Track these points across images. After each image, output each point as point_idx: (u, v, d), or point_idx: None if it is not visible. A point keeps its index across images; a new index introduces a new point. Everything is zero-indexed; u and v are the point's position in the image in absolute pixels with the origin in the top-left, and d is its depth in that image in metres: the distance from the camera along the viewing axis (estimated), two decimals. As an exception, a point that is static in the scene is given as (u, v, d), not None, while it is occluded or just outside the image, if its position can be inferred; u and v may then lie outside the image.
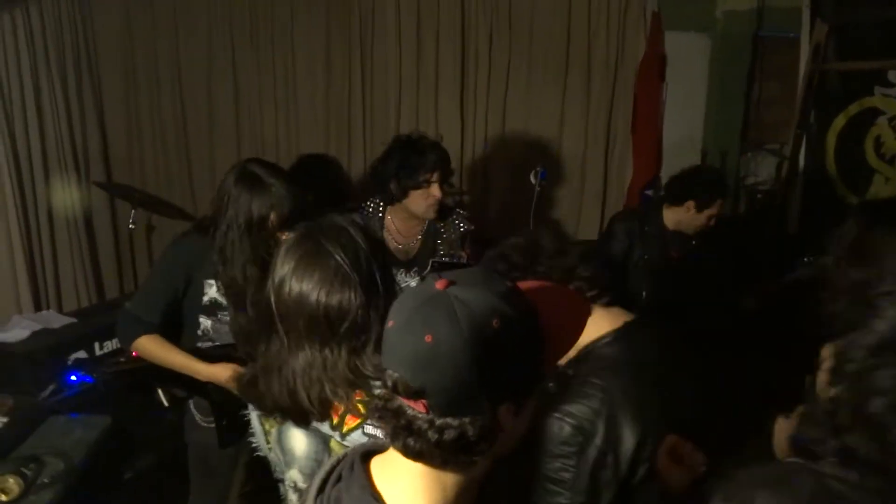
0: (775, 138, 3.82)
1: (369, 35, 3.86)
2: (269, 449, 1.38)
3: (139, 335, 2.02)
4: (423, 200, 2.40)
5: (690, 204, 2.77)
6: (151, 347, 2.02)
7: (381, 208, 2.54)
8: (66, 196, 3.58)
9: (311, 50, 3.96)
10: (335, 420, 1.23)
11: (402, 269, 2.45)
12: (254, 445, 1.45)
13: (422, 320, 0.80)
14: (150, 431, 2.81)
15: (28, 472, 1.90)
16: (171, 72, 4.14)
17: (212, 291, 2.05)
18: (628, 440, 1.31)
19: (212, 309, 2.07)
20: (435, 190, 2.38)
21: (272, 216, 1.91)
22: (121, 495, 2.54)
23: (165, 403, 2.27)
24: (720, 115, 3.79)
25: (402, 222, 2.51)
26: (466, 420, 0.80)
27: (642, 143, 3.65)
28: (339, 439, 1.22)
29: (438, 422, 0.80)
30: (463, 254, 2.44)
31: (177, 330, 2.10)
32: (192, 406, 2.17)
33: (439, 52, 3.77)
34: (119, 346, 2.91)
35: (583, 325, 0.97)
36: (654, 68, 3.55)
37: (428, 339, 0.78)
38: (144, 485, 2.71)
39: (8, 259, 3.17)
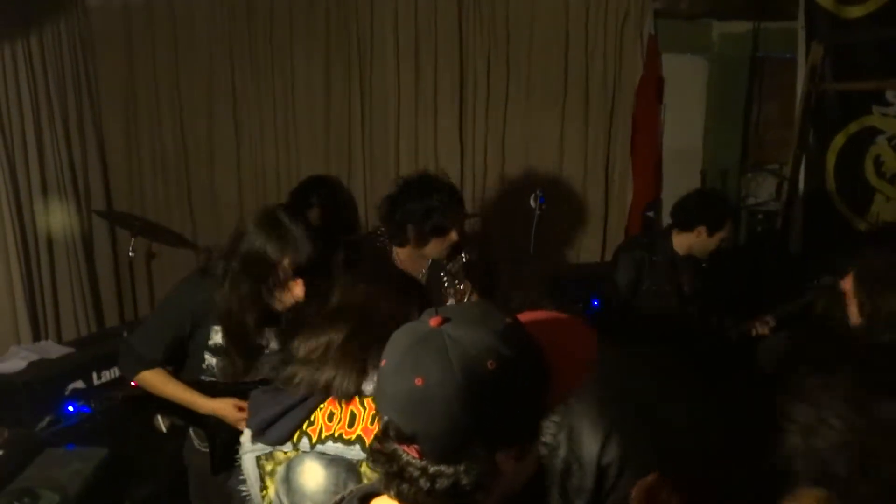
0: (775, 158, 3.83)
1: (368, 60, 3.89)
2: (264, 495, 1.30)
3: (141, 370, 2.02)
4: (440, 246, 2.34)
5: (702, 229, 2.77)
6: (153, 381, 2.03)
7: (385, 241, 2.45)
8: (65, 224, 3.58)
9: (310, 76, 3.99)
10: (314, 438, 1.20)
11: None
12: (244, 494, 1.37)
13: (413, 361, 0.75)
14: (148, 461, 2.78)
15: (22, 507, 1.87)
16: (170, 98, 4.17)
17: (217, 337, 2.04)
18: (590, 445, 1.29)
19: (218, 350, 2.06)
20: (453, 235, 2.32)
21: (285, 261, 1.82)
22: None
23: (164, 430, 2.27)
24: (719, 136, 3.80)
25: (408, 259, 2.44)
26: (461, 468, 0.75)
27: (642, 165, 3.66)
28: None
29: (431, 469, 0.75)
30: (462, 287, 2.42)
31: (180, 360, 2.10)
32: (191, 431, 2.18)
33: (437, 77, 3.79)
34: (117, 375, 2.91)
35: (593, 355, 0.92)
36: (652, 90, 3.57)
37: (418, 382, 0.73)
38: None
39: (7, 289, 3.16)
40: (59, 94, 3.57)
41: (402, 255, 2.43)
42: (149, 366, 2.01)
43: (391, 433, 0.77)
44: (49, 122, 3.49)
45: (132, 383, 2.13)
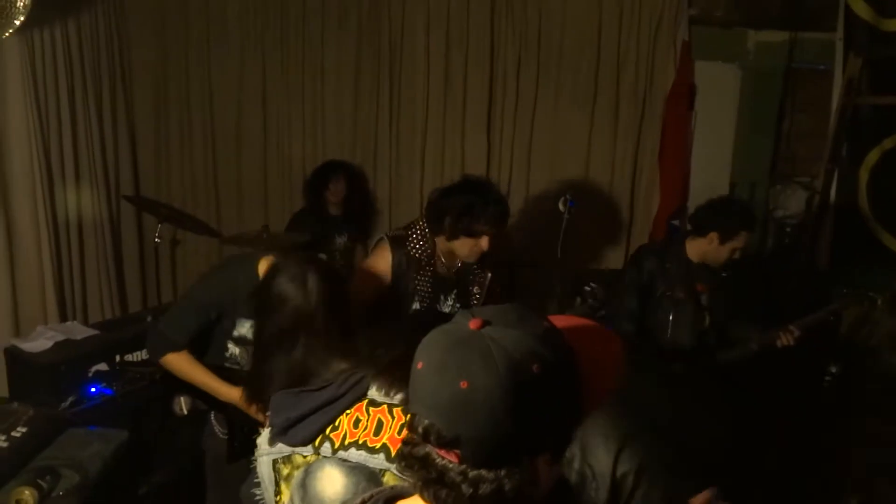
0: (806, 171, 3.76)
1: (398, 60, 3.89)
2: (278, 501, 1.28)
3: (167, 352, 2.09)
4: (469, 248, 2.36)
5: (714, 235, 2.70)
6: (179, 364, 2.10)
7: (428, 234, 2.45)
8: (95, 209, 3.64)
9: (340, 72, 4.00)
10: (336, 443, 1.17)
11: (444, 295, 2.44)
12: (258, 498, 1.35)
13: (456, 364, 0.73)
14: (166, 445, 2.82)
15: (44, 485, 1.90)
16: (201, 90, 4.21)
17: (244, 330, 2.08)
18: (605, 457, 1.29)
19: (241, 341, 2.11)
20: (484, 243, 2.33)
21: None
22: (134, 510, 2.53)
23: (184, 412, 2.30)
24: (750, 146, 3.75)
25: (446, 252, 2.46)
26: (503, 473, 0.74)
27: (669, 173, 3.62)
28: (396, 472, 1.11)
29: (472, 474, 0.74)
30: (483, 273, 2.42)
31: (205, 342, 2.14)
32: (212, 417, 2.22)
33: (467, 78, 3.78)
34: (141, 359, 2.96)
35: (621, 364, 0.92)
36: (684, 98, 3.53)
37: (463, 385, 0.72)
38: (159, 500, 2.70)
39: (37, 269, 3.22)
40: (93, 80, 3.62)
41: (439, 245, 2.45)
42: (175, 349, 2.07)
43: (431, 437, 0.75)
44: (83, 107, 3.54)
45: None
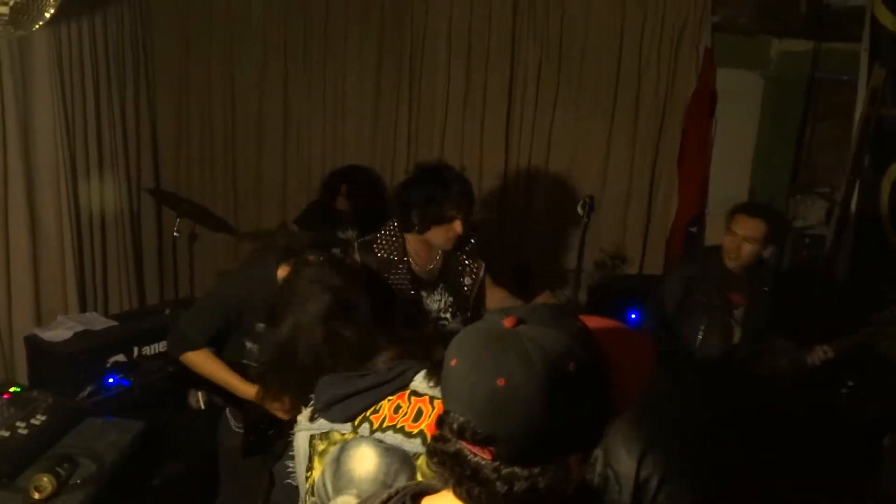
0: (826, 182, 3.73)
1: (419, 59, 3.90)
2: (308, 476, 1.30)
3: (187, 351, 2.14)
4: (444, 235, 2.32)
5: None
6: (198, 361, 2.15)
7: (398, 233, 2.43)
8: (116, 201, 3.68)
9: (361, 71, 4.02)
10: (375, 425, 1.21)
11: (425, 291, 2.39)
12: (290, 470, 1.38)
13: (493, 362, 0.74)
14: (181, 438, 2.84)
15: (62, 472, 1.92)
16: (223, 87, 4.24)
17: (261, 328, 2.09)
18: (628, 460, 1.29)
19: (259, 337, 2.12)
20: (458, 226, 2.30)
21: None
22: (149, 499, 2.55)
23: (202, 406, 2.32)
24: (770, 154, 3.72)
25: (420, 247, 2.43)
26: (536, 470, 0.74)
27: (688, 180, 3.60)
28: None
29: (505, 471, 0.74)
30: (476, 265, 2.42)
31: (223, 338, 2.17)
32: (227, 412, 2.25)
33: (487, 78, 3.79)
34: (157, 352, 2.99)
35: (652, 366, 0.92)
36: (705, 104, 3.51)
37: (500, 382, 0.72)
38: (172, 492, 2.72)
39: (59, 259, 3.26)
40: (117, 76, 3.67)
41: (411, 242, 2.42)
42: (194, 347, 2.12)
43: (466, 434, 0.75)
44: (108, 102, 3.59)
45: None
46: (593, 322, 0.86)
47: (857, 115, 3.37)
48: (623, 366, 0.82)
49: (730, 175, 3.71)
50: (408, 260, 2.39)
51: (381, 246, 2.39)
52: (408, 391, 1.23)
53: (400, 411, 1.21)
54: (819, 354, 2.65)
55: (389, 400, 1.23)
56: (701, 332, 2.67)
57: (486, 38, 3.75)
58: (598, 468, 1.28)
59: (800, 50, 3.56)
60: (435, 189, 2.28)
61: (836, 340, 2.68)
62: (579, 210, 2.69)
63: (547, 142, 3.80)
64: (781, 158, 3.70)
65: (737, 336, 2.75)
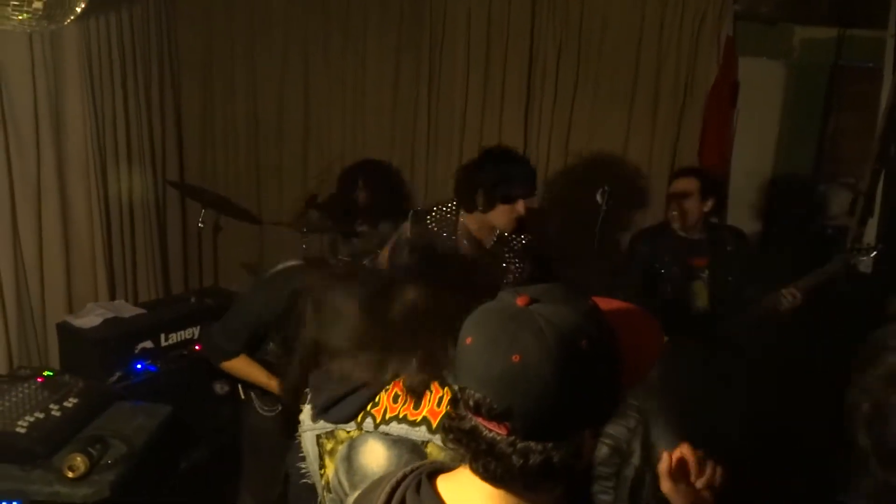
0: (851, 172, 3.68)
1: (438, 53, 3.92)
2: (322, 474, 1.31)
3: (224, 360, 2.20)
4: (507, 215, 2.38)
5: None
6: (237, 368, 2.21)
7: (454, 212, 2.49)
8: (143, 192, 3.76)
9: (381, 65, 4.05)
10: (378, 418, 1.21)
11: None
12: (303, 471, 1.39)
13: (508, 339, 0.76)
14: (206, 423, 2.91)
15: (94, 452, 1.99)
16: (245, 81, 4.30)
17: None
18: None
19: (284, 340, 2.16)
20: (521, 207, 2.36)
21: None
22: (176, 482, 2.63)
23: (242, 396, 2.35)
24: (793, 144, 3.68)
25: (477, 229, 2.48)
26: (550, 445, 0.76)
27: (709, 171, 3.57)
28: (439, 442, 1.14)
29: (521, 445, 0.77)
30: (521, 266, 2.44)
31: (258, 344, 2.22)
32: (253, 395, 2.29)
33: (506, 70, 3.79)
34: (184, 338, 3.06)
35: (659, 347, 0.94)
36: (726, 94, 3.48)
37: (515, 359, 0.74)
38: (198, 474, 2.80)
39: (89, 248, 3.34)
40: (143, 70, 3.73)
41: (470, 223, 2.47)
42: (230, 357, 2.18)
43: (482, 410, 0.77)
44: (134, 94, 3.66)
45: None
46: (604, 303, 0.88)
47: (883, 104, 3.32)
48: (632, 345, 0.84)
49: (752, 165, 3.68)
50: (455, 239, 2.43)
51: (434, 219, 2.45)
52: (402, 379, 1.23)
53: (399, 400, 1.22)
54: (787, 298, 2.64)
55: (386, 391, 1.23)
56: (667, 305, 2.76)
57: (506, 28, 3.75)
58: (636, 462, 1.28)
59: (823, 37, 3.51)
60: (506, 169, 2.35)
61: (800, 281, 2.67)
62: (598, 198, 2.71)
63: (566, 132, 3.79)
64: (804, 148, 3.66)
65: (705, 298, 2.82)
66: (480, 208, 2.38)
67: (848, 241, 3.49)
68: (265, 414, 2.23)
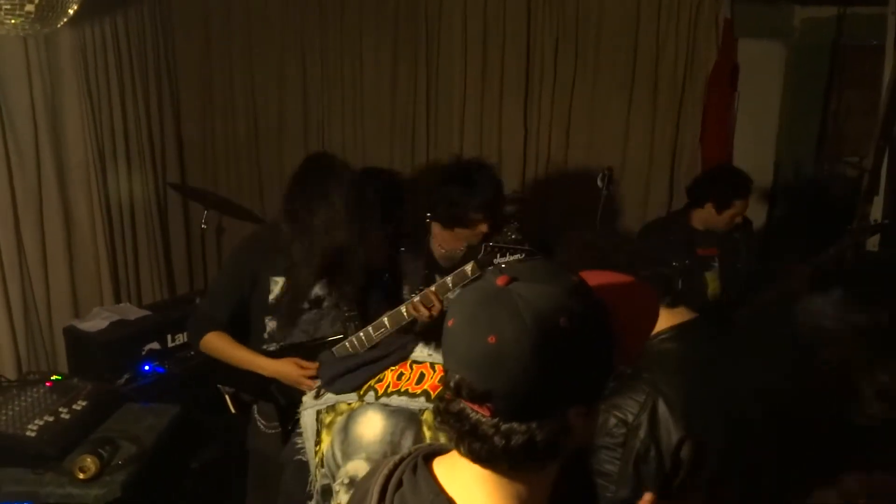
0: (854, 151, 3.66)
1: (435, 47, 3.90)
2: (317, 451, 1.35)
3: (207, 331, 2.14)
4: (465, 237, 2.30)
5: (710, 206, 2.84)
6: (218, 344, 2.14)
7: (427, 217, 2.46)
8: (144, 195, 3.76)
9: (378, 62, 4.04)
10: (380, 391, 1.26)
11: (439, 276, 2.40)
12: (298, 446, 1.43)
13: (485, 320, 0.75)
14: (215, 423, 2.91)
15: (104, 454, 2.00)
16: (244, 82, 4.30)
17: (277, 289, 2.12)
18: (672, 435, 1.30)
19: (277, 308, 2.14)
20: (483, 228, 2.26)
21: None
22: (186, 482, 2.63)
23: (233, 410, 2.34)
24: (795, 125, 3.66)
25: (446, 238, 2.42)
26: (534, 425, 0.76)
27: (711, 155, 3.55)
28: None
29: (504, 427, 0.76)
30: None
31: (244, 332, 2.20)
32: (255, 412, 2.26)
33: (504, 62, 3.78)
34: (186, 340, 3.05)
35: (655, 319, 0.93)
36: (726, 77, 3.46)
37: (491, 339, 0.74)
38: (208, 474, 2.80)
39: (93, 253, 3.35)
40: (141, 74, 3.73)
41: (436, 232, 2.43)
42: (215, 325, 2.12)
43: (463, 392, 0.77)
44: (132, 98, 3.66)
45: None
46: (596, 277, 0.87)
47: (886, 81, 3.29)
48: (627, 315, 0.83)
49: (754, 148, 3.66)
50: (426, 245, 2.42)
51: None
52: (409, 361, 1.30)
53: (403, 377, 1.28)
54: (800, 278, 2.65)
55: (392, 370, 1.30)
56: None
57: (502, 19, 3.74)
58: (642, 435, 1.29)
59: (824, 16, 3.48)
60: (460, 193, 2.24)
61: (812, 260, 2.70)
62: (599, 182, 2.70)
63: (566, 121, 3.78)
64: (807, 128, 3.63)
65: (716, 286, 2.85)
66: (442, 223, 2.33)
67: (854, 219, 3.47)
68: (270, 433, 2.20)
